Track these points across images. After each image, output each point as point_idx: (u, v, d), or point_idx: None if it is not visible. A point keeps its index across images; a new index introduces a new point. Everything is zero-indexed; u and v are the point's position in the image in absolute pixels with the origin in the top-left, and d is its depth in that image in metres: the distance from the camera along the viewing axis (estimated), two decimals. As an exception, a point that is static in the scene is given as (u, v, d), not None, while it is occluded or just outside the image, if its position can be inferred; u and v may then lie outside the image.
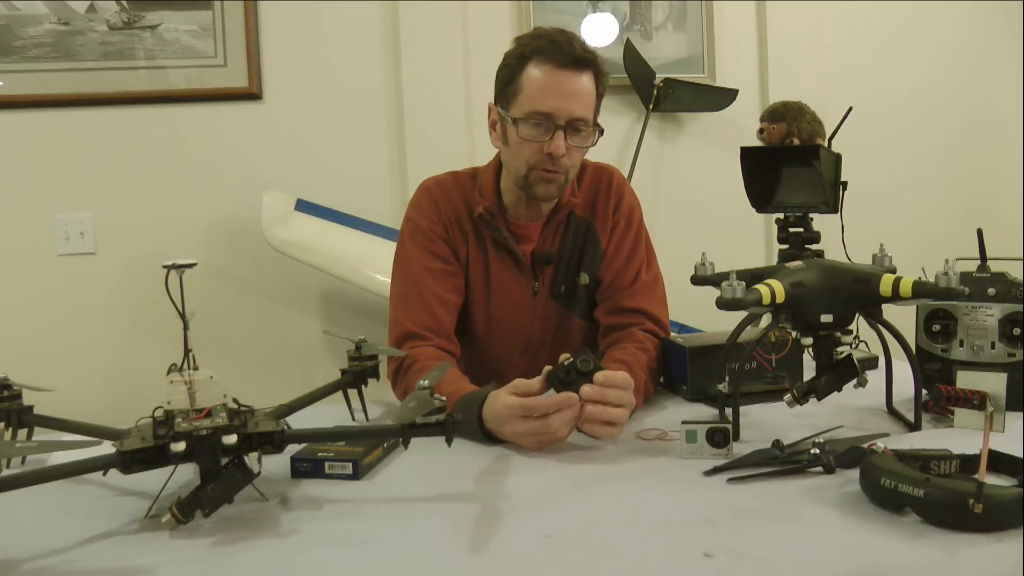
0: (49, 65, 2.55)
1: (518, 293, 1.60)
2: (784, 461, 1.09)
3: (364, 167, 2.74)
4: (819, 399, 1.27)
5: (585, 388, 1.20)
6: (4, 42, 2.52)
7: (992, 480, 0.97)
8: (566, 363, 1.22)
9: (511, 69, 1.48)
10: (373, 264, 2.45)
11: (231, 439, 0.96)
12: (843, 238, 1.67)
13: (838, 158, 1.46)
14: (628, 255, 1.60)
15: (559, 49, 1.44)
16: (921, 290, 1.20)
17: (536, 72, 1.45)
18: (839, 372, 1.26)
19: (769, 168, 1.47)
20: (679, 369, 1.49)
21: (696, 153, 2.97)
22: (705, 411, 1.41)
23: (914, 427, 1.26)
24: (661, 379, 1.55)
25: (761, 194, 1.48)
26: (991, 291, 1.33)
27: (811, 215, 1.46)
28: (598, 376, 1.21)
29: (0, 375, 1.23)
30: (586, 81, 1.46)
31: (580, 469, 1.15)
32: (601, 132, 1.50)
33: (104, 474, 1.06)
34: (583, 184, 1.61)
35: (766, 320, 1.33)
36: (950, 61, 3.16)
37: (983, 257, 1.41)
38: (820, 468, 1.07)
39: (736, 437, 1.21)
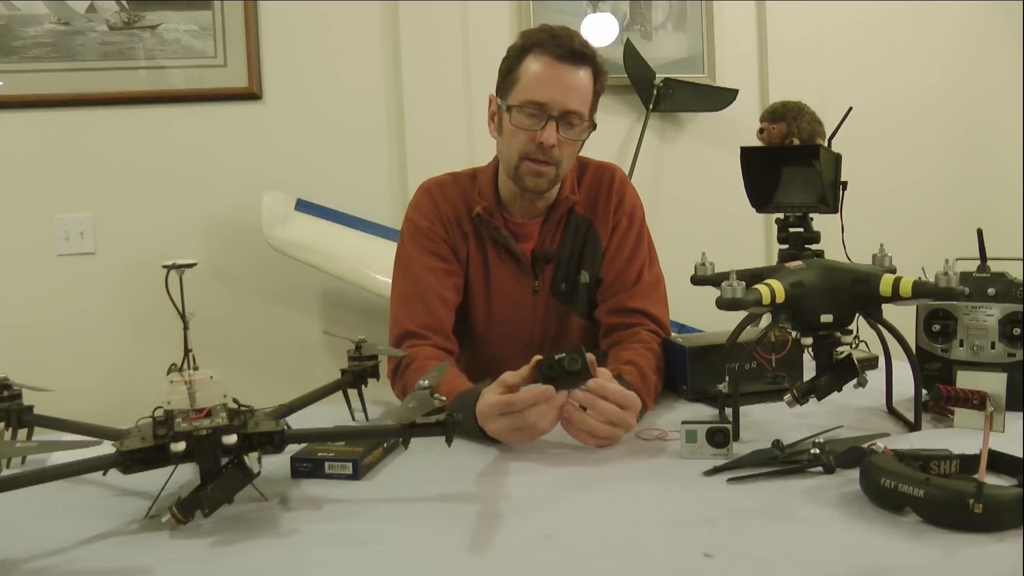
0: (49, 65, 2.55)
1: (518, 292, 1.60)
2: (784, 461, 1.09)
3: (364, 167, 2.75)
4: (819, 399, 1.27)
5: (576, 393, 1.18)
6: (4, 42, 2.52)
7: (992, 480, 0.97)
8: (554, 357, 1.19)
9: (511, 60, 1.50)
10: (373, 264, 2.45)
11: (231, 439, 0.96)
12: (843, 238, 1.67)
13: (838, 158, 1.46)
14: (630, 255, 1.60)
15: (558, 43, 1.45)
16: (921, 290, 1.20)
17: (534, 63, 1.46)
18: (839, 372, 1.26)
19: (769, 168, 1.47)
20: (679, 369, 1.49)
21: (696, 153, 2.97)
22: (705, 411, 1.41)
23: (914, 427, 1.26)
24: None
25: (761, 194, 1.48)
26: (991, 291, 1.33)
27: (811, 215, 1.46)
28: (591, 384, 1.19)
29: (0, 375, 1.23)
30: (583, 76, 1.47)
31: (580, 469, 1.15)
32: (593, 127, 1.51)
33: (104, 474, 1.06)
34: (584, 182, 1.61)
35: (766, 320, 1.33)
36: (950, 61, 3.16)
37: (983, 257, 1.40)
38: (820, 468, 1.06)
39: (736, 437, 1.21)
